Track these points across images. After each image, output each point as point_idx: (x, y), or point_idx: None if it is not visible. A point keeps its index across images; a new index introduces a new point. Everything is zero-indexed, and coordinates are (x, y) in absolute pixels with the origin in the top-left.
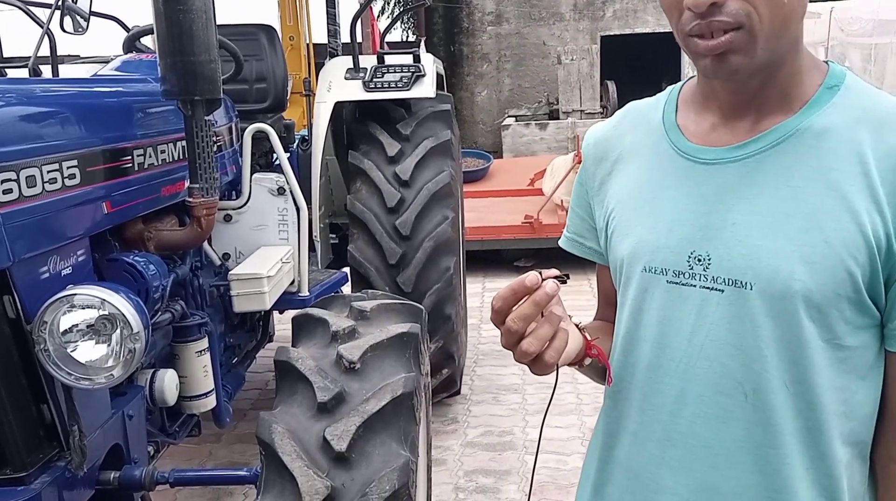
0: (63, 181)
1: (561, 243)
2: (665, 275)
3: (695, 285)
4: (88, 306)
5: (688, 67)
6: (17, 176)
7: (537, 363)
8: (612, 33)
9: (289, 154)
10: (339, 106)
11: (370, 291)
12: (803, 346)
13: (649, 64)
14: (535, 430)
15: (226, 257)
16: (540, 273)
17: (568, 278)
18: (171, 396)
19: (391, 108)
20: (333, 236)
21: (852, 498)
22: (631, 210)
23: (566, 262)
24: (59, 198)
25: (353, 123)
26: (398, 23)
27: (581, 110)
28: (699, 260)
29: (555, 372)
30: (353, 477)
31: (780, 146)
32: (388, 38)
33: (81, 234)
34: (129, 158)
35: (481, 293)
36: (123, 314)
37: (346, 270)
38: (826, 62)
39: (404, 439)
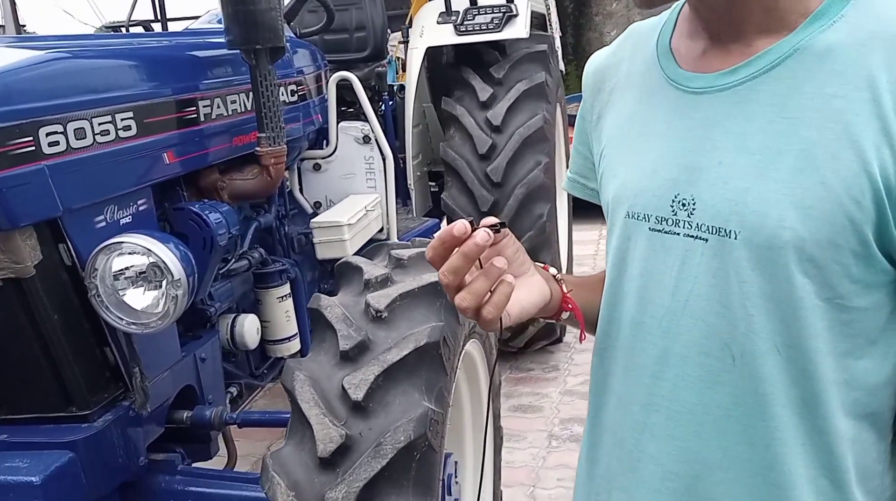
0: (117, 133)
1: (564, 186)
2: (647, 221)
3: (678, 233)
4: (134, 253)
5: None
6: (65, 129)
7: (479, 318)
8: None
9: (382, 105)
10: (437, 53)
11: (418, 239)
12: (796, 305)
13: None
14: None
15: (317, 205)
16: (472, 222)
17: (504, 225)
18: (251, 340)
19: (485, 51)
20: (433, 183)
21: (864, 477)
22: (619, 147)
23: None
24: (113, 149)
25: (448, 68)
26: None
27: None
28: (683, 205)
29: (499, 327)
30: (371, 427)
31: (775, 70)
32: None
33: (140, 184)
34: (194, 108)
35: (597, 241)
36: (164, 261)
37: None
38: None
39: (428, 389)
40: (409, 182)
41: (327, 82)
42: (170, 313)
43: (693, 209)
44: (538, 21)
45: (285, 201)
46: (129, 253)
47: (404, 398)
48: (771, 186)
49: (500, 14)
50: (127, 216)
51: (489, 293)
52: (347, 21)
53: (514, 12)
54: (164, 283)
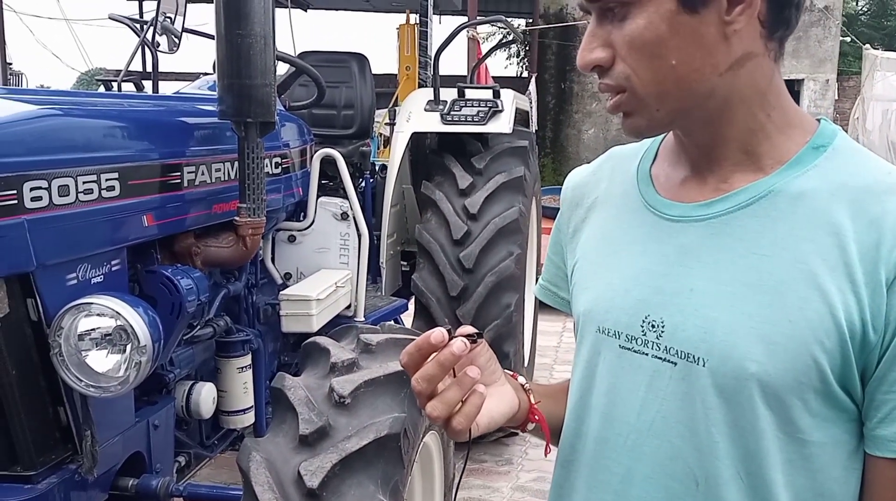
0: (100, 192)
1: (535, 292)
2: (618, 339)
3: (647, 354)
4: (102, 315)
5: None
6: (49, 185)
7: (448, 428)
8: None
9: (363, 182)
10: (421, 137)
11: (388, 324)
12: (758, 436)
13: None
14: None
15: (287, 276)
16: (449, 331)
17: (480, 336)
18: (206, 409)
19: (469, 141)
20: (405, 263)
21: None
22: (593, 263)
23: None
24: (94, 208)
25: (431, 154)
26: (512, 59)
27: None
28: (653, 326)
29: (468, 437)
30: None
31: (750, 208)
32: (503, 73)
33: (116, 244)
34: (178, 174)
35: (560, 333)
36: (132, 326)
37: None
38: (818, 119)
39: (384, 482)
40: (381, 260)
41: (312, 157)
42: (130, 379)
43: (662, 332)
44: (521, 118)
45: (256, 270)
46: (98, 315)
47: (359, 489)
48: (740, 319)
49: (487, 108)
50: (99, 276)
51: (460, 403)
52: (337, 98)
53: (500, 108)
54: (128, 347)
